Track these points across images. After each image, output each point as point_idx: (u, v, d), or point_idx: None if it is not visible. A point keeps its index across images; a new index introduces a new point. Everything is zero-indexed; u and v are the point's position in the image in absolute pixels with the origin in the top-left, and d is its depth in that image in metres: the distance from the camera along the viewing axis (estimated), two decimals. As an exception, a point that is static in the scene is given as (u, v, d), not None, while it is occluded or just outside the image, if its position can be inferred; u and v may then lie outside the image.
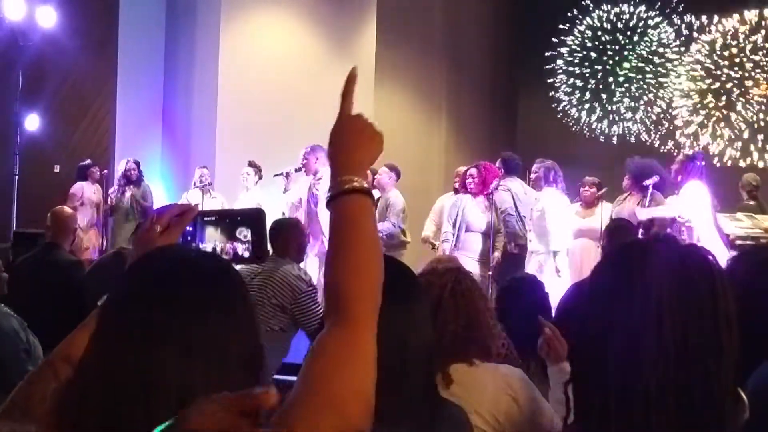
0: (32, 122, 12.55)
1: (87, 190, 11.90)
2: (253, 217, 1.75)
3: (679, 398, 1.50)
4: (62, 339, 1.79)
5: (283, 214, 9.89)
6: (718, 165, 14.37)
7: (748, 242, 9.69)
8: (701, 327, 1.52)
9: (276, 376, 5.67)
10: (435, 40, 15.78)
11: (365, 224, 1.63)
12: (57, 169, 12.88)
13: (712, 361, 1.52)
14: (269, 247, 1.74)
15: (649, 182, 9.32)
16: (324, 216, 9.68)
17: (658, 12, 15.81)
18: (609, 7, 16.28)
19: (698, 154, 9.61)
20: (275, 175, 10.51)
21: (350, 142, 1.70)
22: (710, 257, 1.59)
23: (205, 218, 1.75)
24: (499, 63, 16.74)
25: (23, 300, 5.18)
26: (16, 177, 11.98)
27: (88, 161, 12.11)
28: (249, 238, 1.74)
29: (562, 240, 9.88)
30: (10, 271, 5.11)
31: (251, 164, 11.22)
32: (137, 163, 11.96)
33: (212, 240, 1.73)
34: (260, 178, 11.25)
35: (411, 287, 2.36)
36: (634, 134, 16.02)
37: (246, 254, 1.75)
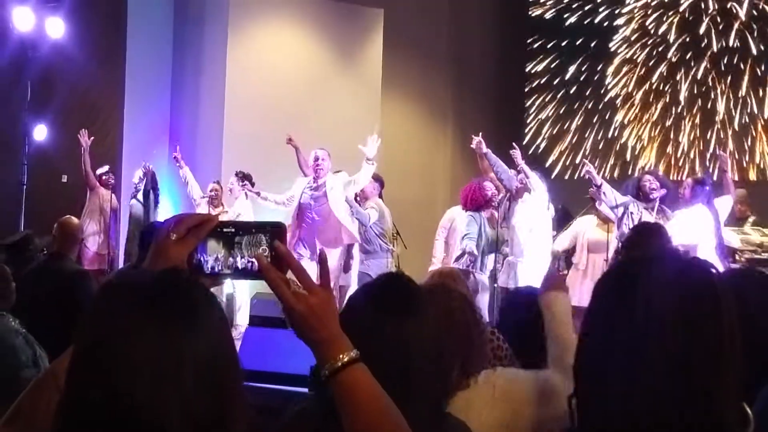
0: (40, 132, 12.58)
1: (103, 193, 11.87)
2: (273, 231, 1.73)
3: (681, 415, 1.50)
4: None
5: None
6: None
7: (756, 256, 9.68)
8: (704, 343, 1.51)
9: (280, 387, 5.67)
10: (441, 52, 15.79)
11: (375, 390, 1.67)
12: (65, 179, 12.89)
13: (715, 377, 1.51)
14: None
15: (656, 195, 9.30)
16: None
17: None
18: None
19: (707, 179, 9.60)
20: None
21: (313, 322, 1.67)
22: (713, 270, 1.59)
23: (224, 230, 1.72)
24: (506, 74, 16.74)
25: (30, 310, 5.19)
26: (24, 187, 12.01)
27: (106, 167, 12.09)
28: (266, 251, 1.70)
29: (541, 250, 9.95)
30: (17, 281, 5.11)
31: (237, 174, 11.32)
32: (145, 174, 11.92)
33: (214, 253, 1.71)
34: (249, 187, 11.33)
35: (413, 299, 2.36)
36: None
37: (248, 266, 1.71)
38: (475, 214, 10.06)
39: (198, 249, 1.68)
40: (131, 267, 7.57)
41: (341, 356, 1.64)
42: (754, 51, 14.86)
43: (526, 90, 16.98)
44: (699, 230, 8.99)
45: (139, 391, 1.35)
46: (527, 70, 16.94)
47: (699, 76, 15.42)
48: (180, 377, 1.37)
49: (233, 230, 1.71)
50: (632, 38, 16.19)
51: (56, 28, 12.30)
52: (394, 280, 2.48)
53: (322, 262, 1.78)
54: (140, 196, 11.85)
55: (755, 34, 14.83)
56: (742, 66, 14.99)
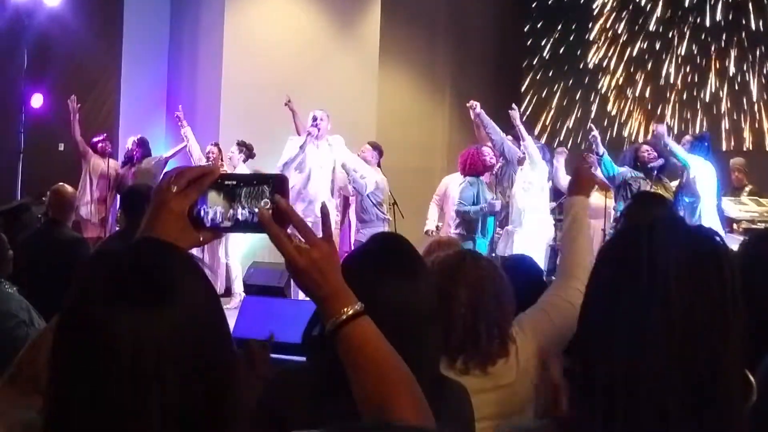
0: (37, 100, 12.54)
1: (96, 162, 11.83)
2: (275, 184, 1.68)
3: (685, 376, 1.50)
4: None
5: None
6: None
7: (753, 226, 9.71)
8: (708, 305, 1.52)
9: (278, 356, 5.66)
10: (439, 21, 15.73)
11: (381, 343, 1.66)
12: (61, 147, 12.86)
13: (718, 339, 1.52)
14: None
15: (654, 165, 9.33)
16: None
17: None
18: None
19: (705, 135, 9.62)
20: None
21: (316, 276, 1.65)
22: (717, 237, 1.59)
23: (226, 182, 1.70)
24: (505, 43, 16.68)
25: (27, 277, 5.18)
26: (21, 155, 11.99)
27: (103, 135, 12.03)
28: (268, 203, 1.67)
29: (538, 220, 10.00)
30: (13, 248, 5.09)
31: (239, 143, 11.32)
32: (139, 142, 11.88)
33: (214, 205, 1.68)
34: (251, 157, 11.32)
35: (410, 261, 2.35)
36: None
37: (249, 219, 1.68)
38: (473, 179, 10.07)
39: (198, 201, 1.66)
40: (119, 233, 7.55)
41: (346, 309, 1.64)
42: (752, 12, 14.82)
43: (525, 59, 16.96)
44: (706, 185, 9.09)
45: (119, 381, 1.31)
46: (525, 30, 16.93)
47: (685, 45, 15.41)
48: (161, 363, 1.33)
49: (235, 183, 1.69)
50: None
51: (52, -5, 12.24)
52: (392, 241, 2.47)
53: (324, 215, 1.76)
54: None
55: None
56: (739, 22, 14.95)
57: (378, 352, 1.64)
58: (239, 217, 1.67)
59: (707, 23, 15.22)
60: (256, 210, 1.66)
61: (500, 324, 2.94)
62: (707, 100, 15.10)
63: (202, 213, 1.66)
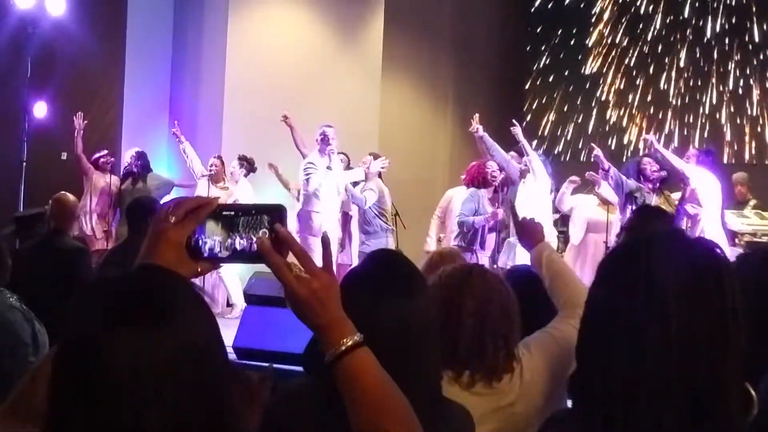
0: (40, 109, 12.55)
1: (97, 178, 11.86)
2: (274, 213, 1.68)
3: (684, 389, 1.50)
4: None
5: None
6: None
7: (756, 240, 9.72)
8: (707, 319, 1.51)
9: (279, 366, 5.67)
10: (442, 32, 15.75)
11: (380, 374, 1.66)
12: (64, 156, 12.86)
13: (717, 353, 1.51)
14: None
15: (656, 177, 9.34)
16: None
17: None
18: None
19: (711, 150, 9.65)
20: None
21: (315, 306, 1.65)
22: (717, 249, 1.59)
23: (224, 212, 1.70)
24: (508, 55, 16.71)
25: (29, 286, 5.18)
26: (24, 164, 11.98)
27: (104, 152, 12.06)
28: (267, 233, 1.67)
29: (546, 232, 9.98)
30: (16, 257, 5.09)
31: (240, 158, 11.42)
32: (137, 155, 11.90)
33: (212, 236, 1.68)
34: (252, 171, 11.38)
35: (408, 279, 2.35)
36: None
37: (248, 248, 1.67)
38: (474, 191, 10.07)
39: (196, 232, 1.66)
40: (121, 245, 7.58)
41: (344, 340, 1.63)
42: (754, 26, 14.82)
43: (526, 65, 16.99)
44: (708, 195, 9.11)
45: (117, 404, 1.32)
46: (526, 35, 16.97)
47: (685, 52, 15.42)
48: (160, 388, 1.33)
49: (233, 213, 1.68)
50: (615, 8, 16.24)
51: (57, 5, 12.25)
52: (392, 259, 2.47)
53: (325, 245, 1.76)
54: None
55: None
56: (740, 30, 14.96)
57: (375, 382, 1.64)
58: (237, 246, 1.66)
59: (708, 31, 15.23)
60: (255, 239, 1.65)
61: (506, 337, 2.93)
62: (708, 108, 15.11)
63: (200, 243, 1.66)
